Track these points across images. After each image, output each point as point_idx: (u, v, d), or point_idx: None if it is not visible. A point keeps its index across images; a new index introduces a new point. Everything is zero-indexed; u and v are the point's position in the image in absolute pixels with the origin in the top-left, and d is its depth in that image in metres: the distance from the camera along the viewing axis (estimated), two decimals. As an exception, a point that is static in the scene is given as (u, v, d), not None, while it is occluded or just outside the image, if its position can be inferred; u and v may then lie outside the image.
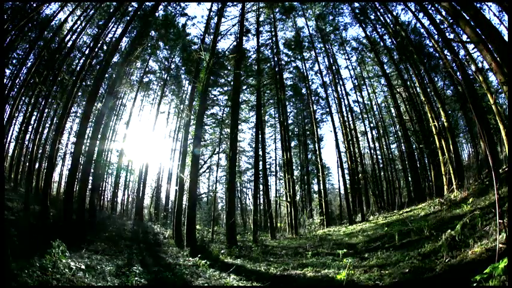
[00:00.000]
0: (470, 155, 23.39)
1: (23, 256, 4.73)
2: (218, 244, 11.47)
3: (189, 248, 9.11)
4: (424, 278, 3.94)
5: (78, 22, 15.61)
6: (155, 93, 22.29)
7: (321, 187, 19.61)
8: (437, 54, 14.73)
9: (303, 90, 22.31)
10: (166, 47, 19.61)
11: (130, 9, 14.56)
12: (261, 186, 17.86)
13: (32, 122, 16.09)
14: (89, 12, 15.63)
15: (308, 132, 23.48)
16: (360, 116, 23.40)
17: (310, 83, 22.56)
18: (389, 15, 15.53)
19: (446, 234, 4.61)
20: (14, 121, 15.51)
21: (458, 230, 4.53)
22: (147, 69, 19.92)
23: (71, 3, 14.74)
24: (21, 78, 14.84)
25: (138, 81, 19.71)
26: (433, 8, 12.27)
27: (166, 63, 20.18)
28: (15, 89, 14.64)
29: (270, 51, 19.26)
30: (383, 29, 16.71)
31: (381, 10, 16.02)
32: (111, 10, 14.51)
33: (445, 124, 12.41)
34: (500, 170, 9.57)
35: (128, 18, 13.67)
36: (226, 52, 14.61)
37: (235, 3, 13.96)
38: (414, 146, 17.37)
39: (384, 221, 11.67)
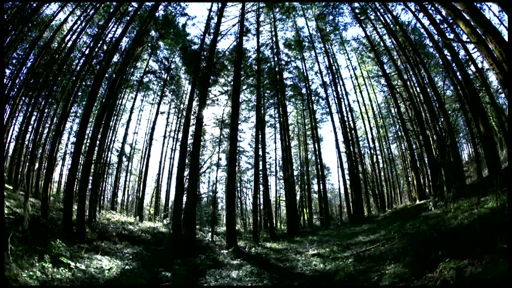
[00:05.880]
0: (471, 155, 23.39)
1: (23, 256, 4.73)
2: (217, 245, 11.45)
3: (187, 248, 9.11)
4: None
5: (78, 22, 15.62)
6: (155, 93, 22.32)
7: (321, 187, 19.57)
8: (437, 54, 14.74)
9: (303, 90, 22.29)
10: (166, 47, 19.61)
11: (130, 9, 14.57)
12: (261, 187, 17.83)
13: (32, 122, 16.06)
14: (88, 12, 15.63)
15: (308, 132, 23.45)
16: (360, 116, 23.41)
17: (310, 83, 22.54)
18: (389, 15, 15.54)
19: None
20: (14, 121, 15.49)
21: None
22: (147, 69, 19.92)
23: (71, 3, 14.76)
24: (21, 78, 14.83)
25: (138, 81, 19.70)
26: (433, 8, 12.28)
27: (166, 63, 20.17)
28: (15, 89, 14.63)
29: (270, 51, 19.26)
30: (383, 29, 16.71)
31: (381, 10, 16.02)
32: (111, 10, 14.50)
33: (445, 124, 12.41)
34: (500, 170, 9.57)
35: (128, 18, 13.67)
36: (226, 52, 14.62)
37: (235, 3, 13.99)
38: (414, 146, 17.36)
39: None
